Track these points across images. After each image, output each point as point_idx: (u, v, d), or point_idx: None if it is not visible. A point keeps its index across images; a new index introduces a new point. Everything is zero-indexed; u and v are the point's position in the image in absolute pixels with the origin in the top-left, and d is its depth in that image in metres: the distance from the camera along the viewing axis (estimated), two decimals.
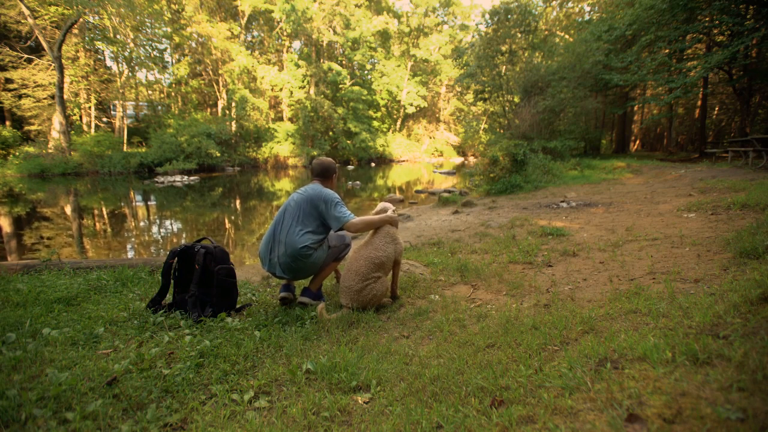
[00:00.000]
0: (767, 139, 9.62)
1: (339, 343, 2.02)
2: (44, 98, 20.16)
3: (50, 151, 18.38)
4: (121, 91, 22.92)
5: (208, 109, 28.54)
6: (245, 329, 2.16)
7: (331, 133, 30.23)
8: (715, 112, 23.67)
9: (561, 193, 8.09)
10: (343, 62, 33.80)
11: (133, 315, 2.37)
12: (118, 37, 21.53)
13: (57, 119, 18.65)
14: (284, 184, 16.75)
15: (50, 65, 19.12)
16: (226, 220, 8.89)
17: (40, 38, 17.62)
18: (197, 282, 2.40)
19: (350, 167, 26.62)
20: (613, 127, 23.25)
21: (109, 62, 25.55)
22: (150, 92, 26.47)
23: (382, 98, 35.72)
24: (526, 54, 19.41)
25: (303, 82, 29.03)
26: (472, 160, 32.29)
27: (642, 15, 14.22)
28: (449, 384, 1.50)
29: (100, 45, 23.19)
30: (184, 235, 7.57)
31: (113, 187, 15.06)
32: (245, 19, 28.06)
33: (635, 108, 22.04)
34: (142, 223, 8.60)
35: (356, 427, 1.35)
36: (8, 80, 19.56)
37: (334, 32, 29.46)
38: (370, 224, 2.65)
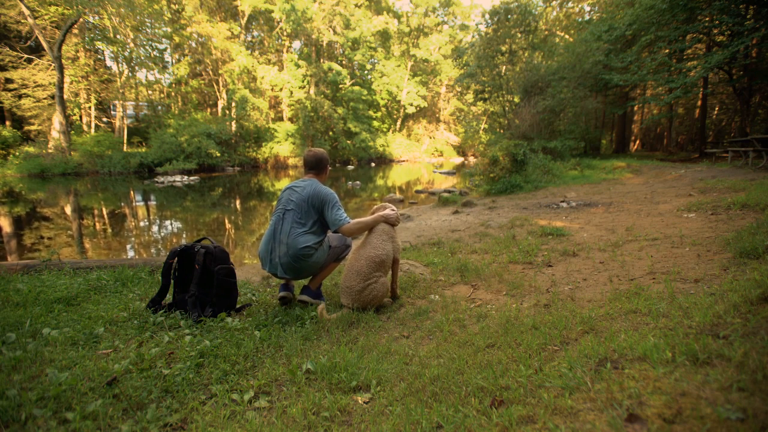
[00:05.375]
0: (767, 139, 9.62)
1: (339, 343, 2.02)
2: (44, 98, 20.16)
3: (50, 151, 18.38)
4: (121, 91, 22.91)
5: (208, 109, 28.54)
6: (245, 329, 2.16)
7: (331, 133, 30.24)
8: (715, 112, 23.65)
9: (561, 193, 8.09)
10: (343, 62, 33.79)
11: (133, 315, 2.37)
12: (118, 37, 21.52)
13: (57, 119, 18.65)
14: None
15: (50, 65, 19.11)
16: (226, 220, 8.89)
17: (40, 38, 17.61)
18: (197, 282, 2.40)
19: (350, 167, 26.60)
20: (613, 127, 23.24)
21: (109, 62, 25.60)
22: (150, 92, 26.45)
23: (382, 98, 35.73)
24: (526, 54, 19.40)
25: (303, 82, 29.03)
26: (472, 160, 32.27)
27: (642, 15, 14.22)
28: (449, 384, 1.50)
29: (100, 45, 23.18)
30: (184, 235, 7.57)
31: (113, 187, 15.05)
32: (245, 19, 28.06)
33: (635, 108, 22.03)
34: (142, 223, 8.59)
35: (356, 427, 1.35)
36: (8, 80, 19.56)
37: (334, 32, 29.46)
38: (364, 226, 2.65)
